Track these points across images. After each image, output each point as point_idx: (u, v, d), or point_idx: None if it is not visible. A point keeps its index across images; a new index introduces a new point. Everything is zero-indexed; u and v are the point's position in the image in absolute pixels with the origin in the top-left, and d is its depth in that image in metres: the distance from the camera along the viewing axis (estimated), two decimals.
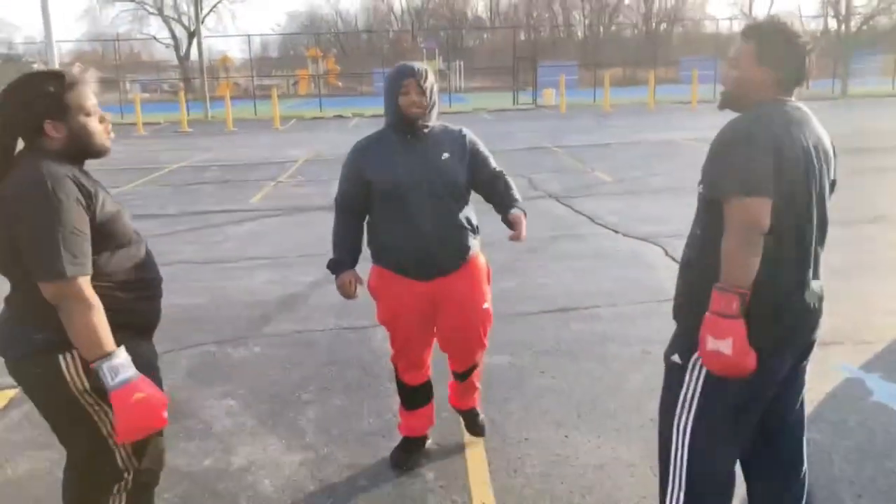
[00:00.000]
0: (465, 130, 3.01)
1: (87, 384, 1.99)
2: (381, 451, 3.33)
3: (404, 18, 71.60)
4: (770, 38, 2.05)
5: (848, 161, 12.41)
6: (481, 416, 3.42)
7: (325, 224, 6.02)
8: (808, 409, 3.53)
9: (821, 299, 2.14)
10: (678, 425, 2.15)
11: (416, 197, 2.84)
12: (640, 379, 4.00)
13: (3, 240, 1.91)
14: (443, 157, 2.89)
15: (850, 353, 4.20)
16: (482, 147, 3.05)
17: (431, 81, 2.86)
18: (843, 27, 36.69)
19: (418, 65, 2.84)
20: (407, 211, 2.85)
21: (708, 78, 34.34)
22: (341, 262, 3.02)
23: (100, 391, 1.96)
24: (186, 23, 50.64)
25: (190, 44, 46.36)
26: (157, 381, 2.15)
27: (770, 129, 1.95)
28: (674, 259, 6.40)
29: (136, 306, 2.12)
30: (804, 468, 2.28)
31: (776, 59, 2.04)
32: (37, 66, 33.51)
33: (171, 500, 3.00)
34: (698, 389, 2.10)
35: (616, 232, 7.56)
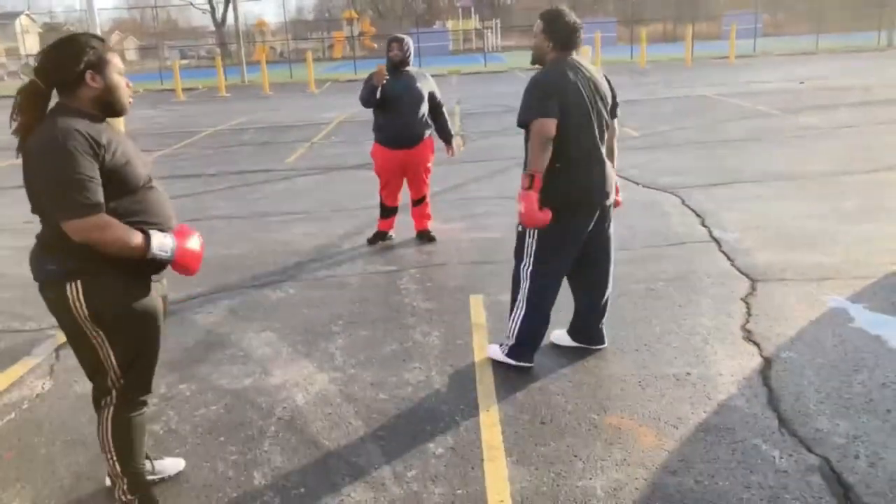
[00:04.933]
0: (429, 75, 5.90)
1: (86, 312, 2.32)
2: (401, 371, 3.74)
3: None
4: (550, 20, 3.35)
5: (877, 112, 12.33)
6: (432, 233, 6.15)
7: (358, 182, 6.49)
8: (791, 332, 3.88)
9: (604, 178, 3.45)
10: (524, 265, 3.53)
11: (399, 103, 5.57)
12: (640, 310, 4.33)
13: (30, 187, 2.27)
14: (416, 85, 5.67)
15: (840, 286, 4.46)
16: (435, 86, 5.87)
17: (408, 43, 5.69)
18: None
19: (400, 35, 5.77)
20: (393, 109, 5.59)
21: (749, 33, 33.65)
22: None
23: (97, 319, 2.33)
24: None
25: (226, 9, 46.78)
26: (152, 326, 2.48)
27: (549, 77, 3.27)
28: (689, 208, 6.65)
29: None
30: (608, 291, 3.73)
31: (555, 33, 3.34)
32: None
33: (216, 410, 3.45)
34: (534, 243, 3.46)
35: (636, 184, 7.81)
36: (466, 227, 6.60)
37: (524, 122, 3.27)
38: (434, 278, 5.24)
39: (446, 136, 6.01)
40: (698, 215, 6.40)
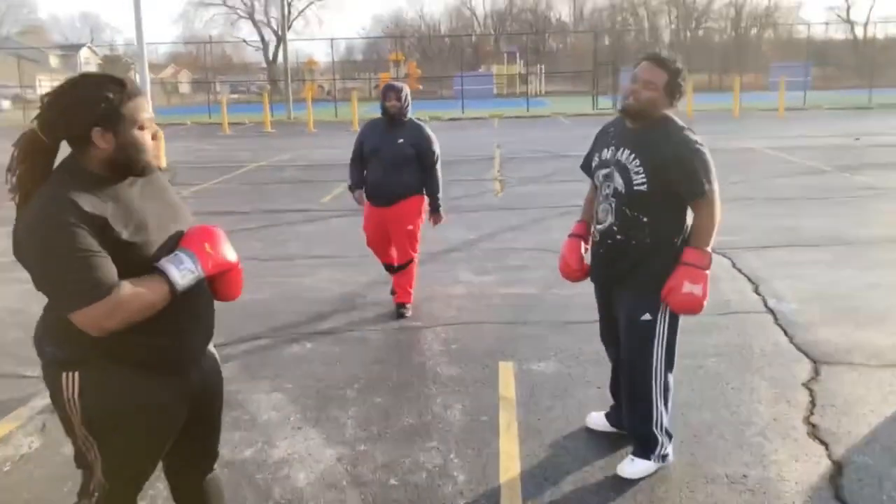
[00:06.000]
0: (427, 129, 5.25)
1: (79, 413, 1.93)
2: (417, 451, 3.35)
3: (487, 23, 71.75)
4: (678, 74, 2.84)
5: None
6: (406, 309, 5.36)
7: None
8: (863, 430, 3.41)
9: None
10: (656, 362, 2.95)
11: (378, 158, 5.16)
12: (688, 392, 3.88)
13: (27, 269, 1.85)
14: (399, 141, 5.11)
15: None
16: (432, 146, 5.19)
17: (405, 93, 5.15)
18: None
19: (398, 84, 5.22)
20: (375, 166, 5.18)
21: (798, 85, 32.99)
22: (355, 185, 5.44)
23: (89, 423, 1.95)
24: (275, 27, 52.24)
25: (278, 47, 47.83)
26: (169, 422, 2.07)
27: (697, 136, 2.87)
28: (740, 271, 6.19)
29: (147, 343, 1.95)
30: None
31: (679, 90, 2.86)
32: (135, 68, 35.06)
33: None
34: (665, 331, 2.93)
35: None
36: (500, 280, 6.23)
37: (697, 193, 2.83)
38: (461, 339, 4.85)
39: (431, 200, 5.32)
40: (751, 281, 5.92)
